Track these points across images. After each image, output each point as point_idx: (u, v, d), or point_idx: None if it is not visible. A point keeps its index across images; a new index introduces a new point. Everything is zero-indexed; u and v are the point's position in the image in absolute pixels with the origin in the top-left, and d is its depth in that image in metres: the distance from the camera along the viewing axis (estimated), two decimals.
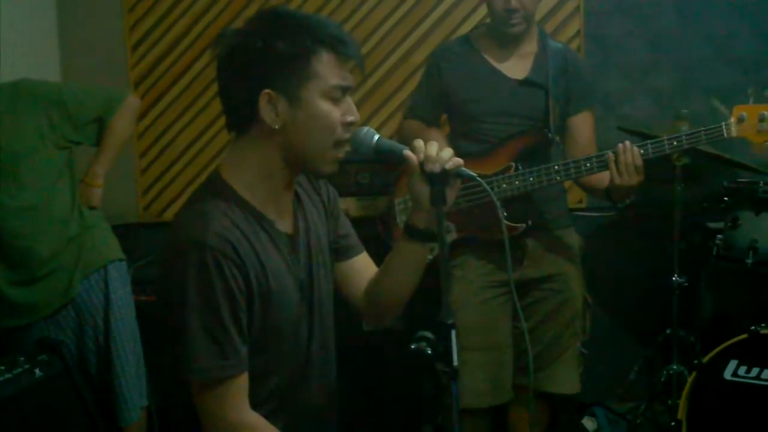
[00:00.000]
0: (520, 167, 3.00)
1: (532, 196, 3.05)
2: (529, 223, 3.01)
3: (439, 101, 3.24)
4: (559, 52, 3.16)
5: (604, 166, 2.88)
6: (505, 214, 2.99)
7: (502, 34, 3.10)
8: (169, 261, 1.80)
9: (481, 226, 3.03)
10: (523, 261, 3.12)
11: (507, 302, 3.14)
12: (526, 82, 3.10)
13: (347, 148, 1.89)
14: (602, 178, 2.97)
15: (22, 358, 2.93)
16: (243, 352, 1.81)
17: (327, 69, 1.80)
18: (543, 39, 3.17)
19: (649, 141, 2.85)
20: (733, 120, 2.79)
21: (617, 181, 2.83)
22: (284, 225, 1.93)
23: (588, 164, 2.91)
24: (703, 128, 2.81)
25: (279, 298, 1.87)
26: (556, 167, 2.95)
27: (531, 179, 2.96)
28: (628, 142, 2.84)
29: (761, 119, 2.77)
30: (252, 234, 1.83)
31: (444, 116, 3.35)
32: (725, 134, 2.79)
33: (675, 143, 2.82)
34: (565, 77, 3.13)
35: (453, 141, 3.15)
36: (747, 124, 2.78)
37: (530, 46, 3.15)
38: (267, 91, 1.77)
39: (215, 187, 1.87)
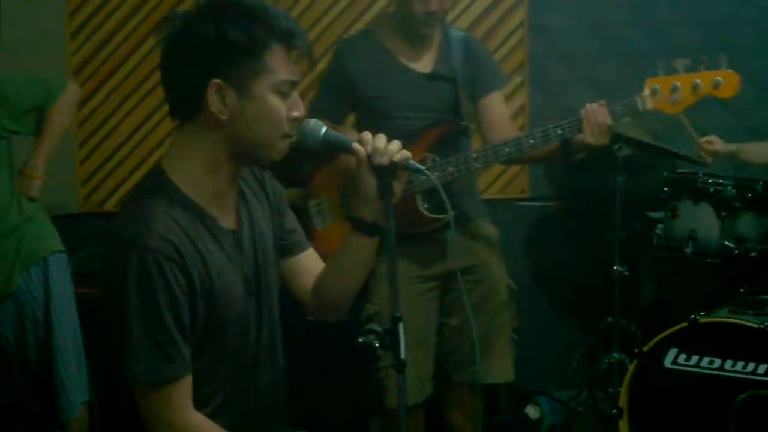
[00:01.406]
0: (436, 158, 2.97)
1: (449, 188, 3.00)
2: (453, 213, 2.99)
3: (345, 99, 3.18)
4: (461, 40, 3.14)
5: (548, 140, 2.89)
6: (426, 205, 2.98)
7: (412, 32, 3.06)
8: (110, 263, 1.77)
9: (402, 220, 2.99)
10: (445, 253, 3.09)
11: (434, 298, 3.14)
12: (433, 75, 3.08)
13: (292, 139, 1.88)
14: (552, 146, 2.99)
15: None
16: (186, 353, 1.79)
17: (278, 63, 1.78)
18: (445, 29, 3.15)
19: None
20: (646, 92, 2.83)
21: (590, 140, 2.84)
22: (227, 221, 1.91)
23: (532, 140, 2.90)
24: (619, 103, 2.85)
25: (223, 296, 1.85)
26: (474, 154, 2.95)
27: (450, 169, 2.94)
28: (594, 104, 2.85)
29: (674, 90, 2.81)
30: (194, 232, 1.80)
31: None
32: (640, 107, 2.84)
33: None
34: (469, 64, 3.12)
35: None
36: (661, 96, 2.82)
37: (434, 37, 3.12)
38: (216, 80, 1.74)
39: (157, 183, 1.83)
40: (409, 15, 2.99)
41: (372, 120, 3.09)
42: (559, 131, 2.88)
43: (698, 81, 2.80)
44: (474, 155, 2.95)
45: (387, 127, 3.03)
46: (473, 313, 3.08)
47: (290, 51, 1.80)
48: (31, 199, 3.24)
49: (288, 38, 1.79)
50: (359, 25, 4.20)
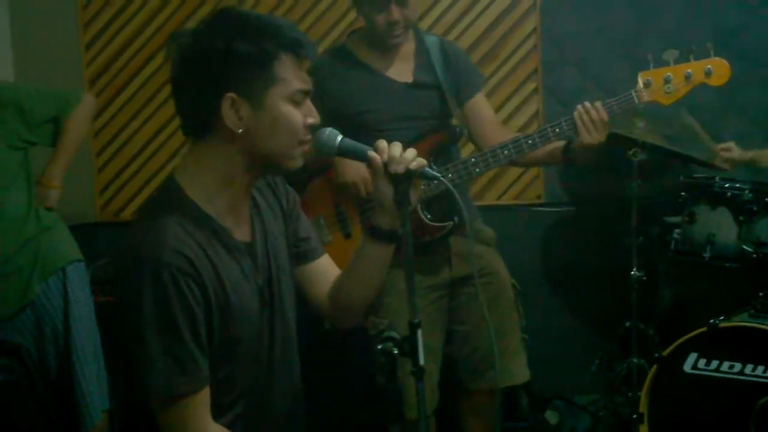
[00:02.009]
0: (434, 166, 2.96)
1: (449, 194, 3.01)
2: (456, 219, 2.97)
3: (328, 118, 3.14)
4: (436, 45, 3.12)
5: (546, 139, 2.89)
6: (428, 215, 2.98)
7: (383, 44, 3.03)
8: (125, 277, 1.76)
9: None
10: (452, 260, 3.08)
11: (441, 307, 3.12)
12: (416, 84, 3.06)
13: (308, 147, 1.88)
14: (552, 147, 2.99)
15: None
16: (204, 365, 1.79)
17: (290, 73, 1.78)
18: (418, 36, 3.13)
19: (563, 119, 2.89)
20: (640, 86, 2.86)
21: (587, 139, 2.84)
22: (241, 233, 1.91)
23: (530, 141, 2.90)
24: (614, 98, 2.87)
25: (238, 308, 1.85)
26: (473, 159, 2.93)
27: (450, 176, 2.92)
28: (587, 102, 2.86)
29: (666, 81, 2.84)
30: (208, 245, 1.80)
31: None
32: (636, 101, 2.87)
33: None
34: (449, 69, 3.10)
35: None
36: (654, 88, 2.85)
37: (408, 46, 3.09)
38: (230, 94, 1.74)
39: (171, 196, 1.82)
40: (373, 27, 2.97)
41: (360, 136, 3.06)
42: (557, 129, 2.88)
43: (690, 71, 2.85)
44: (473, 160, 2.93)
45: (375, 140, 3.04)
46: (484, 318, 3.09)
47: (300, 60, 1.81)
48: (49, 209, 3.25)
49: (296, 48, 1.79)
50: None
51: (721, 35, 4.09)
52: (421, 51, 3.10)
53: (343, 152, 1.92)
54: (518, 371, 3.20)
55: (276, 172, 1.97)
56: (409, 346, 1.84)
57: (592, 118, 2.84)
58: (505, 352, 3.14)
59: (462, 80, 3.13)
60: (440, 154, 3.01)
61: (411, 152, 1.91)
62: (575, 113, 2.86)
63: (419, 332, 1.84)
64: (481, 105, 3.17)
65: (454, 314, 3.16)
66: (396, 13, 2.91)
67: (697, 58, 2.86)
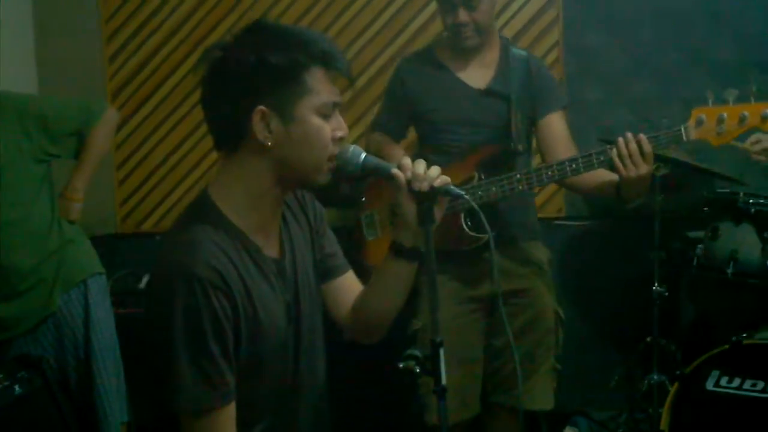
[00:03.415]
0: (483, 177, 2.97)
1: (498, 207, 3.00)
2: (493, 233, 2.97)
3: (404, 113, 3.24)
4: (522, 59, 3.14)
5: (590, 166, 2.82)
6: (469, 223, 2.98)
7: (459, 47, 3.09)
8: (157, 290, 1.78)
9: (445, 239, 2.99)
10: (492, 275, 3.06)
11: (478, 319, 3.13)
12: (488, 92, 3.09)
13: (332, 167, 1.88)
14: (604, 176, 2.95)
15: (1, 375, 2.90)
16: (231, 380, 1.78)
17: (320, 85, 1.78)
18: (505, 47, 3.16)
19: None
20: (692, 123, 2.74)
21: (624, 174, 2.75)
22: (271, 249, 1.91)
23: (573, 165, 2.85)
24: (662, 131, 2.77)
25: (267, 325, 1.85)
26: (518, 176, 2.91)
27: (494, 189, 2.92)
28: (629, 133, 2.76)
29: (720, 121, 2.71)
30: (239, 261, 1.81)
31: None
32: (684, 137, 2.75)
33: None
34: (529, 84, 3.11)
35: (421, 152, 3.14)
36: (706, 127, 2.72)
37: (492, 55, 3.14)
38: (260, 107, 1.74)
39: (204, 210, 1.84)
40: (445, 28, 3.09)
41: (427, 133, 3.19)
42: (601, 158, 2.81)
43: (746, 113, 2.69)
44: (518, 177, 2.92)
45: (440, 140, 3.10)
46: (518, 337, 3.08)
47: (330, 72, 1.80)
48: (72, 222, 3.27)
49: (327, 59, 1.79)
50: (397, 44, 4.25)
51: (744, 46, 4.09)
52: (504, 62, 3.14)
53: (367, 169, 1.91)
54: (541, 397, 3.19)
55: (304, 186, 1.97)
56: (431, 365, 1.84)
57: (630, 151, 2.73)
58: (532, 376, 3.14)
59: (539, 97, 3.15)
60: (494, 164, 3.02)
61: (435, 170, 1.90)
62: (614, 145, 2.76)
63: (441, 351, 1.83)
64: (554, 124, 3.17)
65: (491, 328, 3.16)
66: (463, 15, 2.99)
67: (758, 100, 2.70)
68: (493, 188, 2.93)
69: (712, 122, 2.71)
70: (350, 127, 4.11)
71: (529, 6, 4.22)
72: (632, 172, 2.73)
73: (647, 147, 2.73)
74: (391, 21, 4.27)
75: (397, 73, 3.27)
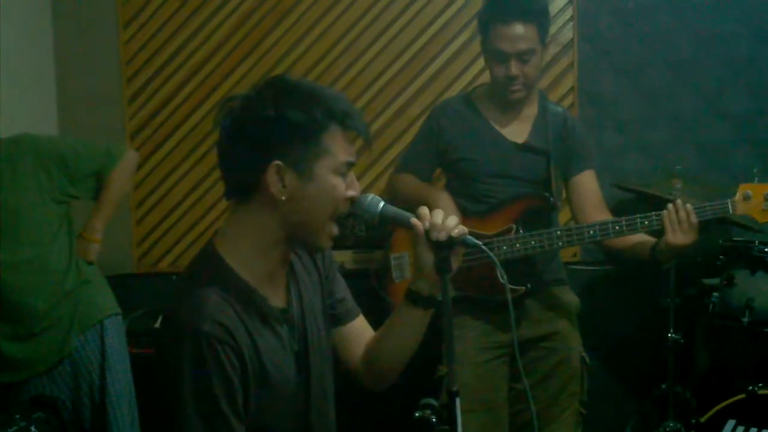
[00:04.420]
0: (521, 230, 3.00)
1: (531, 257, 3.04)
2: (528, 286, 3.00)
3: (436, 157, 3.25)
4: (558, 116, 3.18)
5: (634, 229, 2.88)
6: (506, 276, 2.98)
7: (502, 99, 3.12)
8: (165, 346, 1.79)
9: (478, 287, 3.02)
10: (521, 322, 3.08)
11: (504, 363, 3.13)
12: (526, 146, 3.11)
13: (336, 231, 1.88)
14: (640, 237, 2.98)
15: (17, 416, 2.92)
16: None
17: (337, 145, 1.80)
18: (543, 103, 3.19)
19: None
20: (738, 197, 2.80)
21: (672, 239, 2.81)
22: (277, 298, 1.91)
23: (617, 226, 2.90)
24: (709, 203, 2.82)
25: (275, 377, 1.85)
26: (558, 232, 2.95)
27: (533, 243, 2.96)
28: (679, 200, 2.83)
29: (766, 198, 2.78)
30: (245, 315, 1.81)
31: (438, 171, 3.35)
32: (731, 211, 2.81)
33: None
34: (564, 141, 3.15)
35: (455, 198, 3.15)
36: (752, 203, 2.79)
37: (530, 110, 3.17)
38: (276, 162, 1.76)
39: (210, 264, 1.84)
40: (493, 80, 3.08)
41: (460, 182, 3.18)
42: (646, 222, 2.86)
43: None
44: (558, 233, 2.96)
45: (475, 190, 3.11)
46: (544, 381, 3.12)
47: (348, 132, 1.82)
48: (90, 263, 3.29)
49: (346, 120, 1.81)
50: (410, 91, 4.28)
51: (758, 93, 4.09)
52: (542, 117, 3.16)
53: (385, 219, 1.92)
54: None
55: (309, 248, 1.98)
56: (447, 414, 1.84)
57: (680, 218, 2.80)
58: (554, 421, 3.15)
59: (574, 154, 3.19)
60: (531, 218, 3.04)
61: (453, 220, 1.91)
62: (665, 211, 2.83)
63: (458, 400, 1.83)
64: (586, 182, 3.20)
65: (514, 372, 3.16)
66: (515, 68, 2.99)
67: None
68: (533, 242, 2.96)
69: (759, 198, 2.80)
70: (364, 171, 4.18)
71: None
72: (680, 240, 2.80)
73: (694, 219, 2.80)
74: (403, 69, 4.31)
75: (434, 117, 3.26)
